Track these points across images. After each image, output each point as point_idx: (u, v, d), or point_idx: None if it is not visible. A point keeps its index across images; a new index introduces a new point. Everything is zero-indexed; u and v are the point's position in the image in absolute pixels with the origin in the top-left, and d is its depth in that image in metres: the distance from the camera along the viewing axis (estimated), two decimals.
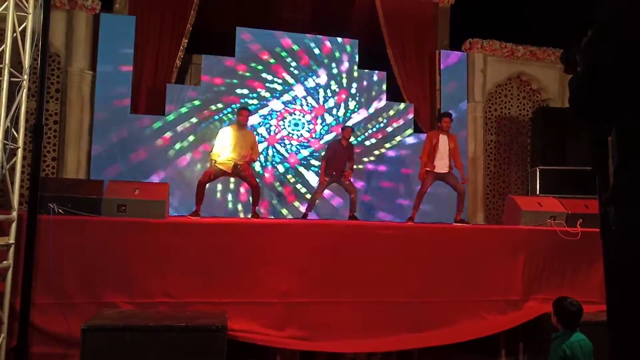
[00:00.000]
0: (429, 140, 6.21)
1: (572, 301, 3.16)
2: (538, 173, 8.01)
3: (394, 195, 8.15)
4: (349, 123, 8.14)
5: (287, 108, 8.01)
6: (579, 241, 4.93)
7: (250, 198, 6.00)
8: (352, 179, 6.71)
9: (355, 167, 7.98)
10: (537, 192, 7.84)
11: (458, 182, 6.13)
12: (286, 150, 7.94)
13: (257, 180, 5.95)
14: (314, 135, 8.04)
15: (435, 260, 4.70)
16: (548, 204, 5.55)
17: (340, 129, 7.13)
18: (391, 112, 8.36)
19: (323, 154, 6.87)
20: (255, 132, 7.71)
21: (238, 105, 7.47)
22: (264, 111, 7.90)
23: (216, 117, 7.62)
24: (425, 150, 6.17)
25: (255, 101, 7.87)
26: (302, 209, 7.24)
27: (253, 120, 7.73)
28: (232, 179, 7.27)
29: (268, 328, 4.21)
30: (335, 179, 6.60)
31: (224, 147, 5.80)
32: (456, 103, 8.44)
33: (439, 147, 6.12)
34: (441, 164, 6.11)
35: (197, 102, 7.58)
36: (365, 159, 8.17)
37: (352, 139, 6.98)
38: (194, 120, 7.49)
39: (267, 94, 7.96)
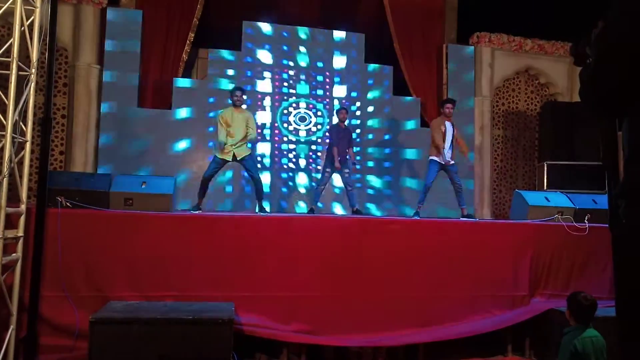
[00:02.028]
0: (439, 127, 6.16)
1: (586, 296, 3.15)
2: (546, 168, 7.96)
3: (400, 188, 8.13)
4: (355, 117, 8.13)
5: (293, 102, 8.00)
6: (587, 236, 4.90)
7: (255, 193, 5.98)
8: (351, 170, 6.64)
9: (361, 160, 7.98)
10: (545, 187, 7.79)
11: (457, 176, 6.14)
12: (292, 144, 7.93)
13: (259, 173, 5.92)
14: (320, 129, 8.02)
15: (442, 255, 4.69)
16: (555, 199, 5.52)
17: (335, 112, 7.02)
18: (397, 106, 8.32)
19: (328, 141, 6.72)
20: (261, 126, 7.72)
21: (246, 98, 7.47)
22: (269, 105, 7.89)
23: (221, 111, 7.60)
24: (439, 136, 6.09)
25: (261, 95, 7.86)
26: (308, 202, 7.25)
27: (261, 115, 7.74)
28: (237, 173, 7.28)
29: (274, 322, 4.22)
30: (340, 170, 6.52)
31: (224, 133, 5.74)
32: (463, 97, 8.39)
33: (446, 135, 6.12)
34: (446, 153, 6.11)
35: (203, 96, 7.58)
36: (371, 153, 8.15)
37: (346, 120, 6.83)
38: (200, 113, 7.50)
39: (274, 88, 7.94)
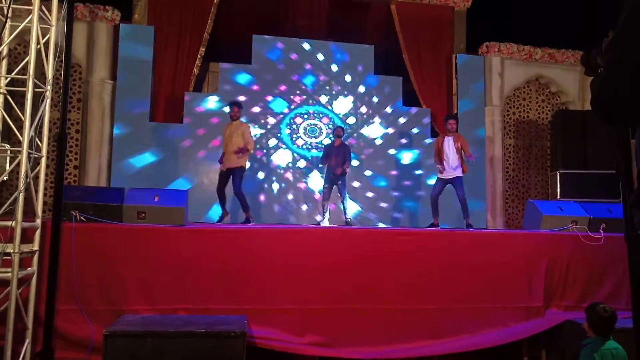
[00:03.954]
0: (435, 144, 6.57)
1: (605, 307, 3.10)
2: (559, 177, 7.89)
3: (412, 199, 8.10)
4: (365, 128, 8.16)
5: (303, 114, 8.04)
6: (602, 246, 4.83)
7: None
8: (343, 182, 6.74)
9: (371, 172, 7.98)
10: (558, 196, 7.72)
11: (461, 190, 6.29)
12: (303, 156, 7.95)
13: (240, 188, 6.06)
14: (329, 141, 8.04)
15: (455, 266, 4.64)
16: (569, 209, 5.46)
17: (332, 130, 7.19)
18: (408, 117, 8.33)
19: (322, 157, 7.02)
20: (267, 136, 7.77)
21: (257, 111, 7.56)
22: (280, 118, 7.94)
23: None
24: (435, 152, 6.51)
25: (270, 108, 7.92)
26: (315, 214, 7.26)
27: (270, 127, 7.80)
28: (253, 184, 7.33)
29: (287, 334, 4.20)
30: (335, 182, 6.71)
31: (224, 146, 6.16)
32: (473, 107, 8.37)
33: (444, 150, 6.32)
34: (449, 167, 6.29)
35: (215, 109, 7.66)
36: (382, 163, 8.15)
37: (343, 137, 7.03)
38: (211, 127, 7.57)
39: (283, 101, 8.00)
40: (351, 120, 8.17)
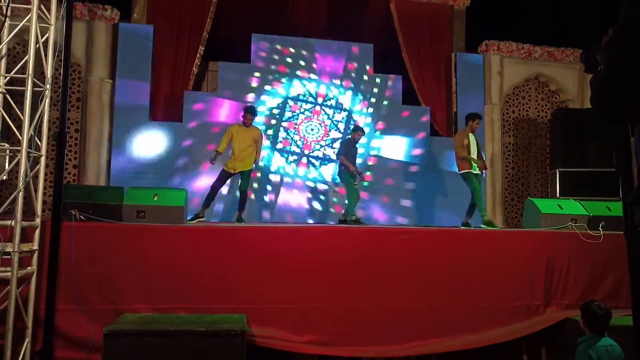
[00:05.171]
0: (461, 141, 6.31)
1: (600, 304, 3.12)
2: (558, 175, 7.89)
3: (410, 197, 8.10)
4: (365, 126, 8.14)
5: (302, 112, 8.04)
6: (602, 244, 4.83)
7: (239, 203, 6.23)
8: (358, 181, 6.75)
9: (370, 170, 7.97)
10: (558, 195, 7.72)
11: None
12: (302, 155, 7.95)
13: (247, 187, 6.17)
14: (329, 140, 8.04)
15: (455, 264, 4.65)
16: (569, 207, 5.46)
17: (352, 129, 7.12)
18: (407, 116, 8.33)
19: (338, 150, 6.95)
20: (267, 137, 7.76)
21: (257, 109, 7.54)
22: (280, 116, 7.94)
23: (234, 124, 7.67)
24: (462, 149, 6.24)
25: (270, 107, 7.91)
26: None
27: (269, 126, 7.80)
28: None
29: (287, 333, 4.21)
30: (354, 172, 6.66)
31: (230, 146, 6.15)
32: (472, 105, 8.36)
33: (470, 147, 6.26)
34: (475, 164, 6.25)
35: (214, 108, 7.65)
36: (381, 163, 8.14)
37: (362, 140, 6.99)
38: (211, 126, 7.56)
39: (282, 99, 7.99)
40: (351, 119, 8.16)
